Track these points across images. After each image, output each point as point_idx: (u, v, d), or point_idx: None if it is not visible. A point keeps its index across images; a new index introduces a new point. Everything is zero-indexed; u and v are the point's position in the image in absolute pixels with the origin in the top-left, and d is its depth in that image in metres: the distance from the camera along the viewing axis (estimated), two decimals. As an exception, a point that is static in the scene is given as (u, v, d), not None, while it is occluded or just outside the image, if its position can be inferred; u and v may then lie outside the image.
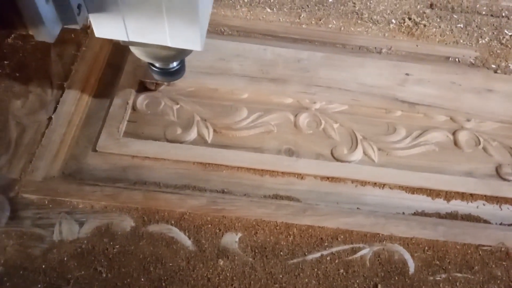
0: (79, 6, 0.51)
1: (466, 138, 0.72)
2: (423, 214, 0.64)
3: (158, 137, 0.67)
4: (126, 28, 0.53)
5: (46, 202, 0.59)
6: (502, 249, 0.61)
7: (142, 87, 0.72)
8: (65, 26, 0.53)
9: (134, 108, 0.69)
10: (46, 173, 0.61)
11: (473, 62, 0.83)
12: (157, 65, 0.64)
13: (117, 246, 0.56)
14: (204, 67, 0.74)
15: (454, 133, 0.72)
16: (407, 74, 0.78)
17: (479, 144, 0.71)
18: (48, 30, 0.50)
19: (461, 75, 0.79)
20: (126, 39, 0.54)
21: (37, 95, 0.69)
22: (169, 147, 0.65)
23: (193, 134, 0.67)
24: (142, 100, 0.70)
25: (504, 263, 0.60)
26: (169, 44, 0.54)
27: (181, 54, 0.61)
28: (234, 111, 0.71)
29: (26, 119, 0.67)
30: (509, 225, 0.64)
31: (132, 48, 0.60)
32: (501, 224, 0.64)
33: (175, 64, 0.65)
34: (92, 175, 0.62)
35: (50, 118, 0.66)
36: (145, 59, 0.61)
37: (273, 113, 0.71)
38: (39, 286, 0.53)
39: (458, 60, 0.83)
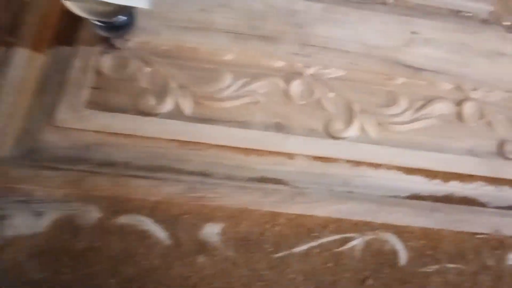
0: None
1: (472, 110, 0.65)
2: (419, 197, 0.60)
3: (128, 108, 0.57)
4: None
5: (-3, 190, 0.51)
6: (497, 237, 0.58)
7: (108, 45, 0.60)
8: None
9: (98, 71, 0.59)
10: (-5, 154, 0.52)
11: (486, 19, 0.73)
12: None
13: (82, 242, 0.50)
14: (182, 21, 0.63)
15: (459, 104, 0.66)
16: (413, 33, 0.68)
17: (484, 117, 0.65)
18: None
19: (472, 34, 0.70)
20: None
21: (-23, 54, 0.57)
22: (140, 122, 0.56)
23: (169, 105, 0.58)
24: (107, 61, 0.59)
25: (496, 252, 0.57)
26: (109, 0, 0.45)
27: (122, 10, 0.51)
28: (217, 77, 0.61)
29: (-34, 84, 0.56)
30: (505, 208, 0.61)
31: (66, 3, 0.49)
32: (497, 207, 0.61)
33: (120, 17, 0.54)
34: (50, 155, 0.54)
35: (-5, 84, 0.56)
36: (81, 14, 0.50)
37: (262, 79, 0.62)
38: (-7, 289, 0.47)
39: (471, 15, 0.73)
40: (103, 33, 0.56)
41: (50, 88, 0.57)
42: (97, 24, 0.54)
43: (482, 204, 0.61)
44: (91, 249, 0.49)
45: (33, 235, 0.49)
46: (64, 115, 0.55)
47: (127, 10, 0.54)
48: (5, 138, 0.53)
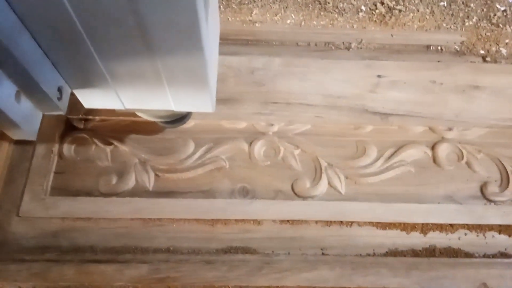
0: (59, 89, 0.41)
1: (447, 152, 0.63)
2: (397, 252, 0.57)
3: (91, 190, 0.58)
4: (121, 99, 0.44)
5: (-35, 290, 0.52)
6: (484, 292, 0.55)
7: (69, 126, 0.62)
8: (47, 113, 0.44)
9: (60, 155, 0.60)
10: (-38, 253, 0.54)
11: (458, 50, 0.71)
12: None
13: (49, 337, 0.50)
14: (141, 93, 0.64)
15: (433, 147, 0.63)
16: (379, 76, 0.67)
17: (462, 158, 0.62)
18: (26, 130, 0.41)
19: (443, 70, 0.68)
20: (122, 108, 0.46)
21: None
22: (103, 203, 0.57)
23: (131, 182, 0.59)
24: (69, 143, 0.61)
25: (485, 309, 0.54)
26: (174, 109, 0.46)
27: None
28: (179, 146, 0.61)
29: None
30: (493, 256, 0.57)
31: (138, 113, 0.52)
32: (484, 255, 0.57)
33: None
34: (18, 246, 0.55)
35: (-37, 180, 0.58)
36: (149, 119, 0.52)
37: (224, 143, 0.62)
38: None
39: (441, 49, 0.71)
40: (162, 125, 0.57)
41: (17, 176, 0.58)
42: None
43: (467, 254, 0.57)
44: None
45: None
46: (29, 205, 0.56)
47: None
48: (-27, 234, 0.55)
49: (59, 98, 0.42)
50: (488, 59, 0.70)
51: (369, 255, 0.57)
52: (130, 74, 0.39)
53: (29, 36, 0.35)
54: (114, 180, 0.58)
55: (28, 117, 0.41)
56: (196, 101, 0.44)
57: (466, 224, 0.58)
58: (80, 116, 0.61)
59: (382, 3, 0.71)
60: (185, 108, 0.46)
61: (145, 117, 0.53)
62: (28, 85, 0.38)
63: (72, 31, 0.34)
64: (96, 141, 0.61)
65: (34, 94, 0.40)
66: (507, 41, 0.71)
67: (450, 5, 0.73)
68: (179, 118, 0.56)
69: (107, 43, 0.35)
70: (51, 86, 0.40)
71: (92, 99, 0.44)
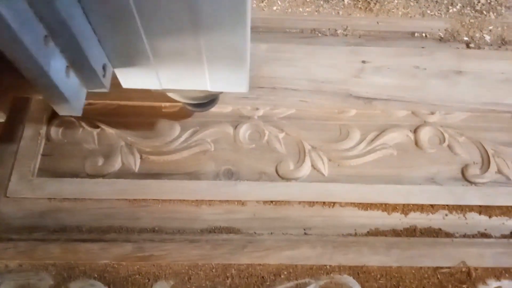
0: (104, 66, 0.43)
1: (429, 135, 0.64)
2: (378, 232, 0.58)
3: (78, 172, 0.59)
4: (159, 78, 0.45)
5: (-47, 267, 0.53)
6: (463, 270, 0.56)
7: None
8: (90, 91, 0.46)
9: (48, 138, 0.61)
10: (-50, 232, 0.55)
11: (442, 36, 0.72)
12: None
13: (35, 313, 0.51)
14: (128, 78, 0.65)
15: (415, 131, 0.64)
16: (363, 62, 0.68)
17: (444, 141, 0.63)
18: (74, 105, 0.42)
19: (427, 56, 0.69)
20: (158, 88, 0.47)
21: None
22: (89, 184, 0.58)
23: (117, 164, 0.60)
24: (57, 127, 0.61)
25: (464, 286, 0.55)
26: (209, 89, 0.47)
27: (216, 94, 0.55)
28: (165, 130, 0.62)
29: None
30: (473, 236, 0.58)
31: (169, 94, 0.53)
32: (464, 236, 0.58)
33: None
34: (6, 225, 0.56)
35: (-48, 162, 0.59)
36: (180, 100, 0.54)
37: (210, 127, 0.63)
38: None
39: (425, 35, 0.72)
40: (190, 108, 0.58)
41: (5, 158, 0.59)
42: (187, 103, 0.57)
43: (448, 234, 0.58)
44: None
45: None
46: (16, 186, 0.57)
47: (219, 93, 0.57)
48: (-39, 213, 0.56)
49: (104, 76, 0.43)
50: (471, 45, 0.71)
51: (350, 235, 0.58)
52: (172, 52, 0.40)
53: (81, 11, 0.36)
54: (100, 162, 0.59)
55: (75, 92, 0.42)
56: (232, 80, 0.45)
57: (447, 205, 0.59)
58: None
59: (367, -10, 0.72)
60: (220, 88, 0.46)
61: (176, 98, 0.54)
62: (78, 61, 0.39)
63: (122, 6, 0.35)
64: (83, 124, 0.62)
65: (82, 70, 0.41)
66: (490, 27, 0.72)
67: (434, -8, 0.74)
68: (208, 102, 0.57)
69: (155, 18, 0.36)
70: (98, 63, 0.41)
71: (131, 78, 0.45)
